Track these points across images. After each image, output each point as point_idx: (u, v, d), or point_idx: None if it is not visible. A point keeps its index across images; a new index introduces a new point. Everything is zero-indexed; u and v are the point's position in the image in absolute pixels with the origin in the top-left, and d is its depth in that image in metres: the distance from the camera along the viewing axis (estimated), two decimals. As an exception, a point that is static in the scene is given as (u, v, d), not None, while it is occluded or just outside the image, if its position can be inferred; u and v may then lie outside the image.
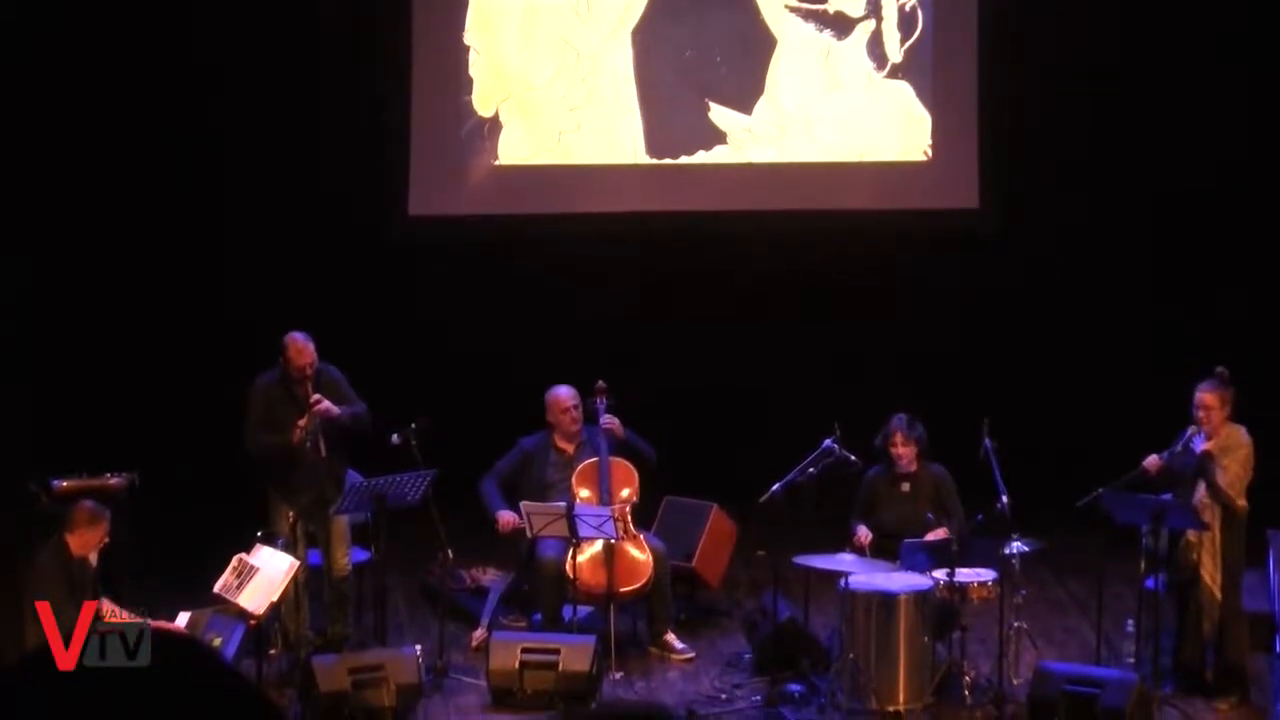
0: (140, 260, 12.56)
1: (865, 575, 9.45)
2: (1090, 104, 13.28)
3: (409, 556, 11.05)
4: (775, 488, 9.79)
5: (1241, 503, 9.38)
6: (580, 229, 13.11)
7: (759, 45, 13.26)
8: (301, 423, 9.76)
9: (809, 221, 13.28)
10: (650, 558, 10.28)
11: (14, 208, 12.24)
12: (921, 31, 13.28)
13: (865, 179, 13.50)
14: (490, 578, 10.97)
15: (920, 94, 13.36)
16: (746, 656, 10.16)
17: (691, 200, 13.31)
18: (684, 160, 13.25)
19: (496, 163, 13.14)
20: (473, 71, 13.05)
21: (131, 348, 12.50)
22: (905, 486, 10.23)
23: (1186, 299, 13.19)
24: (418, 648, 9.59)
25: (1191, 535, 9.40)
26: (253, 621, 9.05)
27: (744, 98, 13.26)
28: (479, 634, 10.38)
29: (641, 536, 10.40)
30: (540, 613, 10.25)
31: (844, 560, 9.54)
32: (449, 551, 10.08)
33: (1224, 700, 9.43)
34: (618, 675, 9.83)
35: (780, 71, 13.28)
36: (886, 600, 9.30)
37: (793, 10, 13.24)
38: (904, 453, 10.17)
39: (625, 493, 10.43)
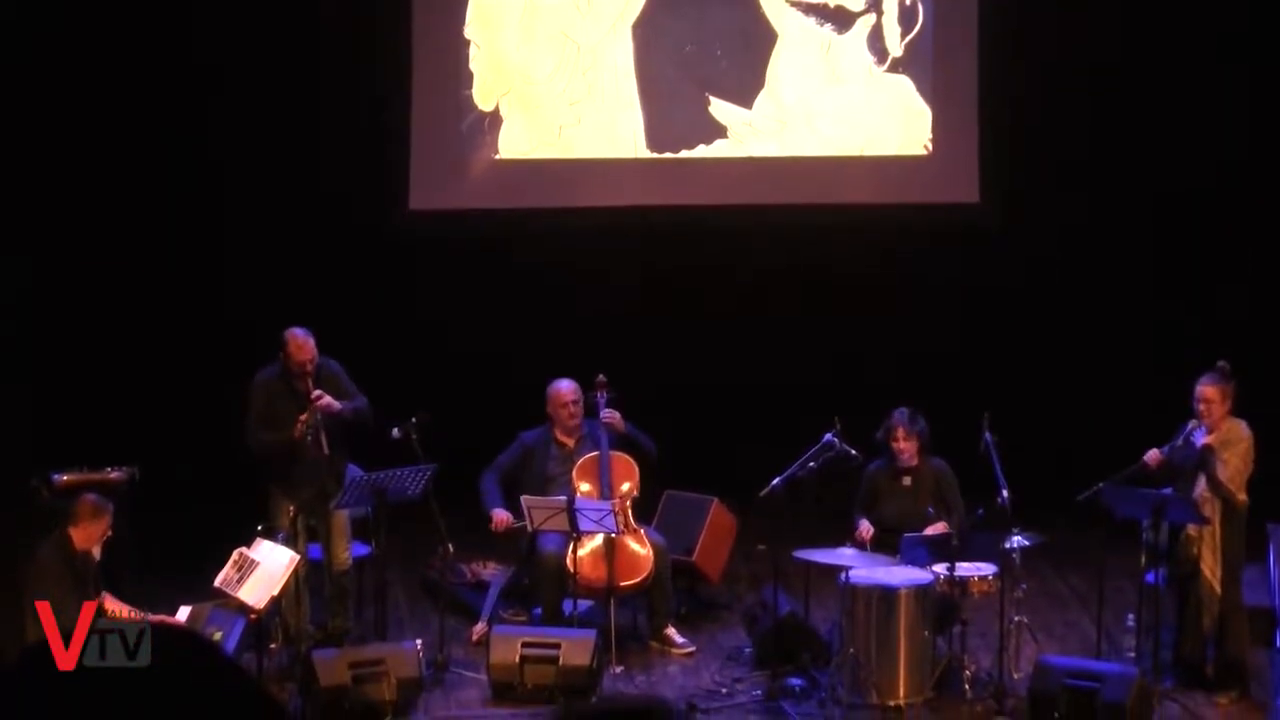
0: (140, 255, 12.56)
1: (866, 569, 9.44)
2: (1091, 99, 13.27)
3: (409, 551, 11.06)
4: (775, 482, 9.79)
5: (1242, 497, 9.38)
6: (581, 223, 13.11)
7: (759, 39, 13.25)
8: (303, 418, 9.75)
9: (809, 216, 13.28)
10: (651, 552, 10.28)
11: (15, 205, 12.23)
12: (922, 26, 13.27)
13: (865, 173, 13.49)
14: (490, 572, 10.97)
15: (921, 88, 13.35)
16: (747, 651, 10.16)
17: (692, 194, 13.31)
18: (684, 154, 13.25)
19: (497, 157, 13.14)
20: (473, 66, 13.04)
21: (132, 342, 12.50)
22: (906, 481, 10.23)
23: (1186, 294, 13.18)
24: (418, 642, 9.60)
25: (1192, 529, 9.40)
26: (253, 616, 9.05)
27: (744, 92, 13.26)
28: (479, 628, 10.38)
29: (642, 531, 10.40)
30: (540, 607, 10.25)
31: (844, 554, 9.53)
32: (449, 546, 10.09)
33: (1224, 694, 9.43)
34: (618, 669, 9.84)
35: (781, 66, 13.28)
36: (887, 594, 9.30)
37: (793, 4, 13.23)
38: (905, 447, 10.16)
39: (626, 487, 10.43)
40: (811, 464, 9.79)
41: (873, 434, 10.26)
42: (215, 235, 12.69)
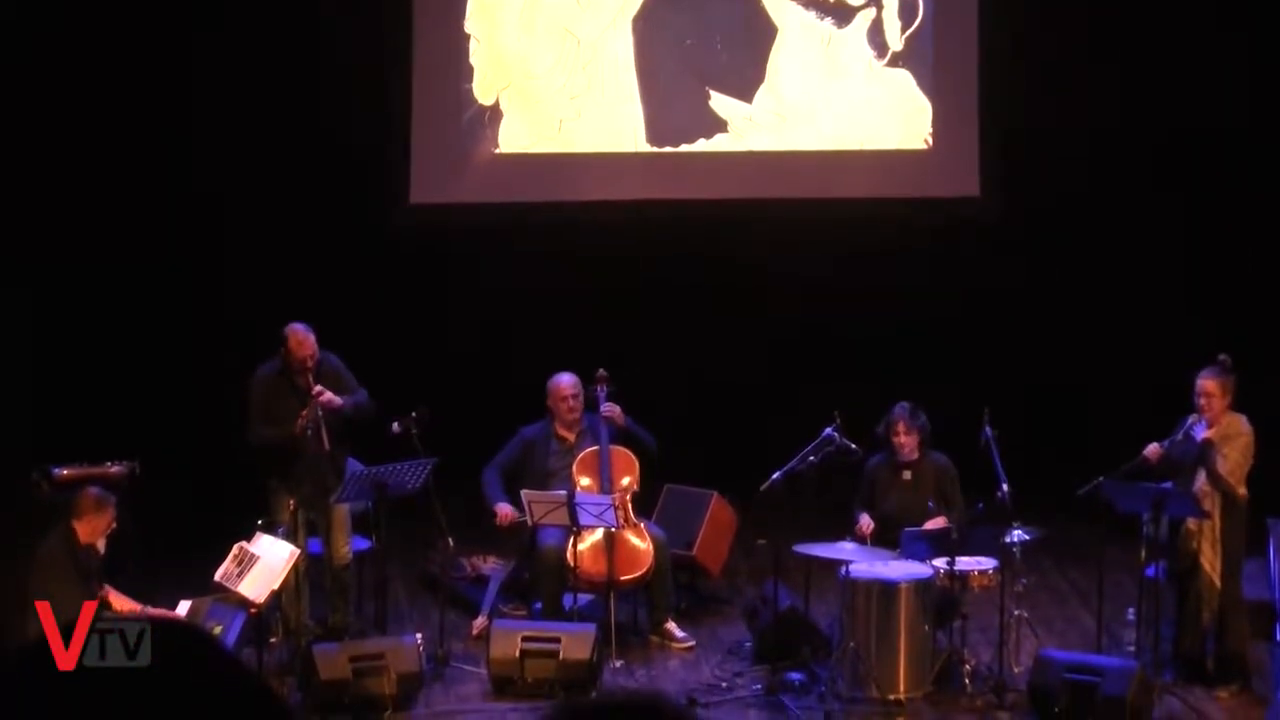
0: (141, 250, 12.56)
1: (866, 564, 9.45)
2: (1091, 93, 13.26)
3: (410, 545, 11.06)
4: (776, 476, 9.78)
5: (1242, 491, 9.38)
6: (581, 217, 13.11)
7: (760, 33, 13.25)
8: (304, 414, 9.73)
9: (809, 210, 13.28)
10: (651, 546, 10.28)
11: (14, 203, 12.23)
12: (922, 20, 13.27)
13: (866, 167, 13.49)
14: (491, 566, 10.97)
15: (921, 82, 13.35)
16: (747, 645, 10.16)
17: (692, 188, 13.30)
18: (685, 148, 13.24)
19: (497, 151, 13.14)
20: (473, 60, 13.04)
21: (133, 337, 12.50)
22: (907, 475, 10.22)
23: (1187, 288, 13.18)
24: (418, 636, 9.60)
25: (1192, 523, 9.40)
26: (253, 610, 9.05)
27: (745, 86, 13.25)
28: (479, 622, 10.38)
29: (642, 525, 10.40)
30: (541, 601, 10.24)
31: (844, 549, 9.54)
32: (449, 540, 10.08)
33: (1224, 688, 9.43)
34: (618, 664, 9.84)
35: (781, 59, 13.27)
36: (887, 589, 9.30)
37: (794, -2, 13.24)
38: (906, 441, 10.16)
39: (626, 481, 10.44)
40: (812, 458, 9.78)
41: (873, 428, 10.26)
42: (215, 230, 12.69)
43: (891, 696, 9.26)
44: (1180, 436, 9.44)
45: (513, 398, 11.11)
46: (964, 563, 9.40)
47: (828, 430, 9.85)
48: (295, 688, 9.26)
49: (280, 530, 9.53)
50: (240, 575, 9.01)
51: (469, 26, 13.04)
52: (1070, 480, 9.54)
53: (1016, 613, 9.62)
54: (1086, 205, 13.35)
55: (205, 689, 2.25)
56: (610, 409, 10.52)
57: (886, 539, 9.81)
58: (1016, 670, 9.46)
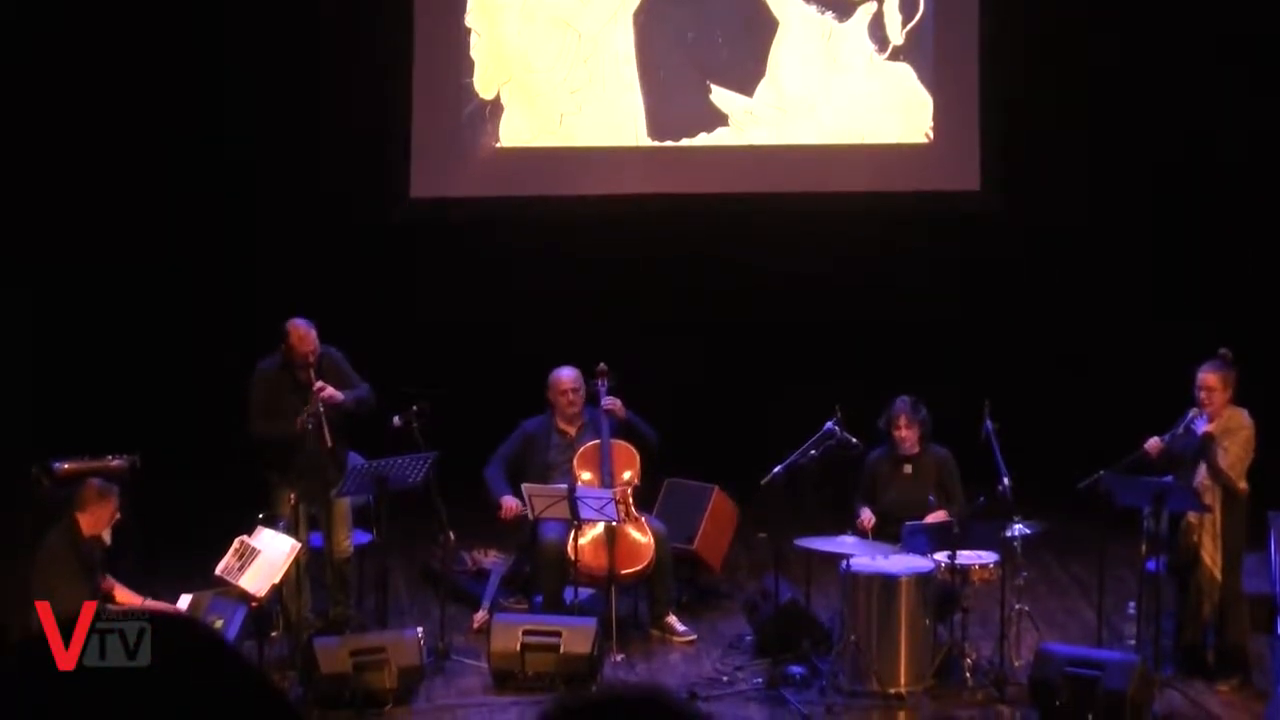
0: (142, 244, 12.56)
1: (867, 557, 9.45)
2: (1091, 87, 13.26)
3: (410, 539, 11.06)
4: (776, 470, 9.78)
5: (1242, 485, 9.38)
6: (582, 211, 13.11)
7: (761, 27, 13.24)
8: (306, 410, 9.72)
9: (810, 204, 13.28)
10: (651, 540, 10.28)
11: (15, 201, 12.23)
12: (923, 14, 13.26)
13: (866, 161, 13.49)
14: (491, 560, 10.98)
15: (921, 76, 13.35)
16: (748, 639, 10.16)
17: (693, 182, 13.31)
18: (685, 142, 13.24)
19: (498, 145, 13.14)
20: (474, 54, 13.04)
21: (134, 331, 12.51)
22: (907, 469, 10.23)
23: (1187, 282, 13.18)
24: (419, 630, 9.60)
25: (1192, 517, 9.40)
26: (254, 604, 9.05)
27: (745, 80, 13.25)
28: (480, 616, 10.39)
29: (643, 519, 10.40)
30: (541, 595, 10.24)
31: (845, 542, 9.54)
32: (450, 534, 10.08)
33: (1225, 682, 9.43)
34: (619, 657, 9.83)
35: (782, 53, 13.27)
36: (888, 582, 9.31)
37: (794, -8, 13.24)
38: (907, 435, 10.16)
39: (627, 475, 10.43)
40: (812, 452, 9.78)
41: (872, 422, 10.26)
42: (216, 224, 12.69)
43: (892, 690, 9.26)
44: (1181, 430, 9.43)
45: (513, 391, 11.11)
46: (965, 556, 9.40)
47: (828, 424, 9.85)
48: (296, 681, 9.26)
49: (281, 524, 9.53)
50: (241, 569, 9.02)
51: (469, 21, 13.04)
52: (1071, 474, 9.54)
53: (1017, 606, 9.62)
54: (1087, 198, 13.35)
55: (207, 683, 2.25)
56: (611, 402, 10.51)
57: (887, 533, 9.81)
58: (1017, 664, 9.46)
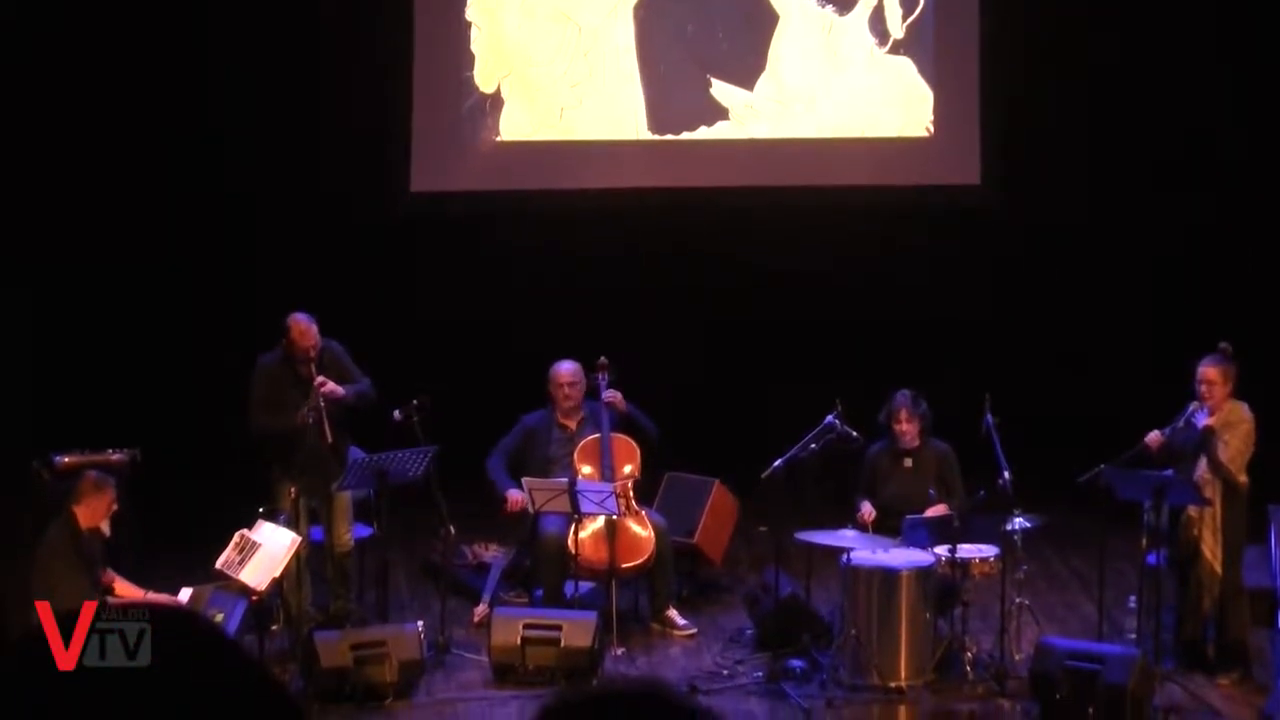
0: (142, 238, 12.55)
1: (867, 551, 9.45)
2: (1091, 81, 13.26)
3: (410, 533, 11.07)
4: (777, 464, 9.78)
5: (1243, 478, 9.37)
6: (582, 205, 13.10)
7: (761, 21, 13.24)
8: (307, 404, 9.72)
9: (810, 197, 13.28)
10: (652, 534, 10.28)
11: (15, 198, 12.22)
12: (923, 7, 13.25)
13: (866, 155, 13.49)
14: (492, 554, 10.98)
15: (922, 70, 13.34)
16: (748, 632, 10.17)
17: (693, 176, 13.30)
18: (686, 136, 13.24)
19: (498, 139, 13.14)
20: (474, 48, 13.03)
21: (134, 325, 12.50)
22: (908, 463, 10.22)
23: (1188, 277, 13.17)
24: (420, 624, 9.60)
25: (1193, 511, 9.40)
26: (255, 597, 9.05)
27: (746, 73, 13.25)
28: (481, 610, 10.38)
29: (643, 512, 10.40)
30: (542, 589, 10.25)
31: (846, 536, 9.54)
32: (451, 528, 10.08)
33: (1225, 676, 9.43)
34: (619, 651, 9.84)
35: (782, 47, 13.26)
36: (888, 576, 9.31)
37: (795, -15, 13.23)
38: (908, 429, 10.16)
39: (627, 469, 10.43)
40: (813, 446, 9.78)
41: (873, 416, 10.25)
42: (216, 218, 12.69)
43: (893, 684, 9.26)
44: (1181, 424, 9.44)
45: (514, 386, 11.11)
46: (965, 550, 9.40)
47: (829, 418, 9.85)
48: (297, 675, 9.26)
49: (282, 518, 9.53)
50: (242, 563, 9.02)
51: (470, 14, 13.03)
52: (1071, 467, 9.54)
53: (1018, 600, 9.61)
54: (1087, 192, 13.34)
55: (208, 678, 2.25)
56: (612, 395, 10.51)
57: (888, 526, 9.81)
58: (1018, 658, 9.46)
